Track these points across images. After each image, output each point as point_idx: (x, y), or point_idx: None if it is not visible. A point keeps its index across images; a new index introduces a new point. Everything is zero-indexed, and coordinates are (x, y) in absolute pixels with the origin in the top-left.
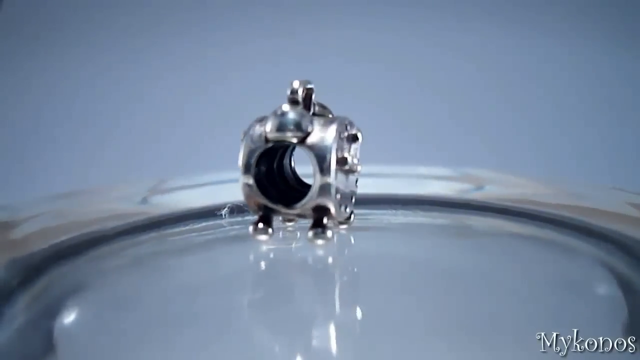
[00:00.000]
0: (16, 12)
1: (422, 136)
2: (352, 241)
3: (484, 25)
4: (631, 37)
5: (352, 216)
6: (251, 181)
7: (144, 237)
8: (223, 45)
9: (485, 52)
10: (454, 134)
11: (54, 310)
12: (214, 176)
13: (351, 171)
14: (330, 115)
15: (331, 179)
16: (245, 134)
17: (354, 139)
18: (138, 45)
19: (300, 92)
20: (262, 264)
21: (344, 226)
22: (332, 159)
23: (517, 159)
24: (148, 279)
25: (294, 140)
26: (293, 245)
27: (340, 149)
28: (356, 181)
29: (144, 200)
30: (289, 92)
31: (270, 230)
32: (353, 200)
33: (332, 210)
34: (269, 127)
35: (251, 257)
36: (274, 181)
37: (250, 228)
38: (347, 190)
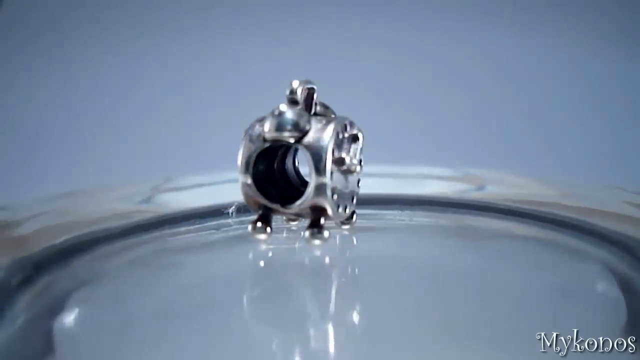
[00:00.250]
0: (16, 12)
1: (423, 136)
2: (355, 242)
3: (484, 25)
4: (631, 37)
5: (355, 216)
6: (249, 180)
7: (144, 237)
8: (225, 45)
9: (486, 51)
10: (455, 134)
11: (54, 310)
12: (215, 176)
13: (350, 171)
14: (333, 116)
15: (326, 179)
16: (246, 133)
17: (354, 139)
18: (138, 44)
19: (299, 91)
20: (263, 264)
21: (347, 226)
22: (327, 159)
23: (517, 159)
24: (148, 279)
25: (291, 140)
26: (297, 244)
27: (338, 149)
28: (358, 181)
29: (145, 200)
30: (288, 92)
31: (268, 229)
32: (354, 200)
33: (329, 210)
34: (266, 126)
35: (251, 256)
36: (275, 181)
37: (249, 227)
38: (347, 191)
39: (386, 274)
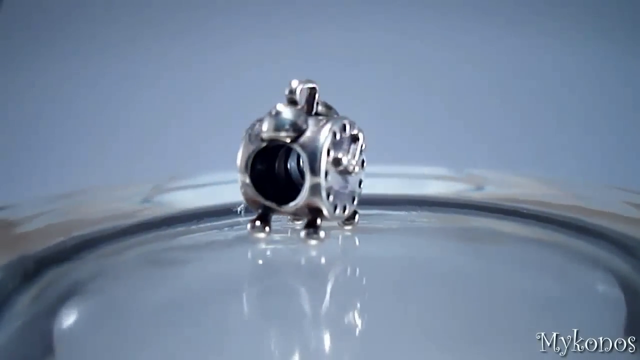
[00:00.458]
0: (16, 12)
1: (423, 136)
2: (357, 242)
3: (484, 25)
4: (631, 37)
5: (357, 217)
6: (248, 180)
7: (144, 237)
8: (225, 45)
9: (486, 52)
10: (455, 134)
11: (53, 311)
12: (215, 176)
13: (347, 172)
14: (336, 116)
15: (321, 179)
16: (246, 133)
17: (354, 139)
18: (139, 44)
19: (298, 91)
20: (262, 263)
21: (349, 227)
22: (322, 159)
23: (517, 159)
24: (148, 278)
25: (287, 140)
26: (296, 245)
27: (335, 149)
28: (360, 182)
29: (145, 200)
30: (287, 92)
31: (267, 228)
32: (355, 201)
33: (324, 210)
34: (264, 126)
35: (251, 256)
36: (275, 180)
37: (248, 226)
38: (346, 191)
39: (386, 275)
